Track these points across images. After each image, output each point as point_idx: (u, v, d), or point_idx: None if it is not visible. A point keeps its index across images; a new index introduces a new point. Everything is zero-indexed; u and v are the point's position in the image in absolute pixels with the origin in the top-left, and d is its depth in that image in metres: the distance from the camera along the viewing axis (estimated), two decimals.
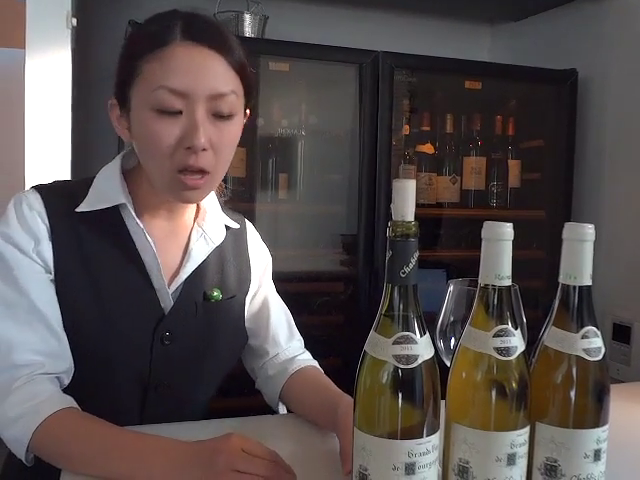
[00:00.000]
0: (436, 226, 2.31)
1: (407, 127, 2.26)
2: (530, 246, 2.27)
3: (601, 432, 0.69)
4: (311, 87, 2.25)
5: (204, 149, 0.92)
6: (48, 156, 1.78)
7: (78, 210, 0.97)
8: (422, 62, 2.14)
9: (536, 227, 2.28)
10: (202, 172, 0.93)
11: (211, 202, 1.08)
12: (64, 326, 0.95)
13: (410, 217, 0.64)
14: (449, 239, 2.32)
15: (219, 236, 1.07)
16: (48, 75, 1.76)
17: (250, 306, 1.15)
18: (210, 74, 0.92)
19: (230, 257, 1.10)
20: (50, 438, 0.85)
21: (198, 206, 1.08)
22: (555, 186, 2.27)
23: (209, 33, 0.93)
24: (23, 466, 0.89)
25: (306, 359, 1.16)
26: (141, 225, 0.99)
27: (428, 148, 2.27)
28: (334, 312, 2.21)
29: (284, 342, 1.15)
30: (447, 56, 2.17)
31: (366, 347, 0.65)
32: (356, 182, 2.07)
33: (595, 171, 2.23)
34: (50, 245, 0.95)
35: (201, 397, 1.10)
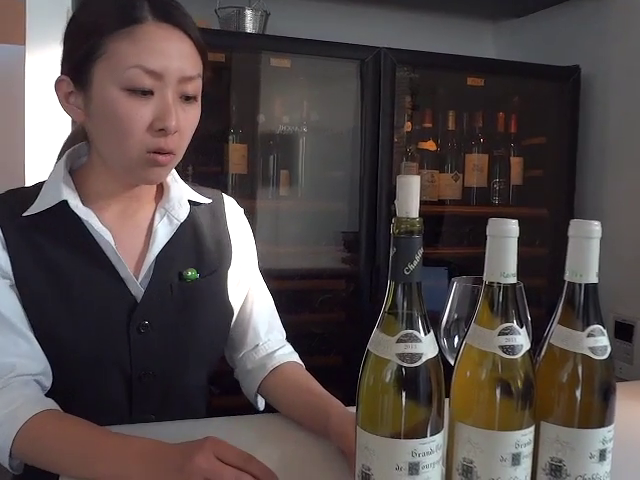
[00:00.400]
0: (438, 223, 2.30)
1: (409, 124, 2.25)
2: (532, 243, 2.26)
3: (607, 432, 0.68)
4: (312, 83, 2.24)
5: (175, 131, 0.92)
6: (48, 153, 1.77)
7: (25, 214, 0.96)
8: (424, 58, 2.13)
9: (538, 224, 2.27)
10: (169, 153, 0.93)
11: (172, 181, 1.06)
12: (37, 333, 0.94)
13: (414, 213, 0.63)
14: (451, 236, 2.32)
15: (183, 213, 1.04)
16: (48, 71, 1.75)
17: (233, 294, 1.11)
18: (182, 56, 0.92)
19: (207, 232, 1.08)
20: (31, 443, 0.85)
21: (159, 187, 1.06)
22: (558, 183, 2.26)
23: (177, 14, 0.93)
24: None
25: (286, 353, 1.13)
26: (86, 217, 0.96)
27: (430, 145, 2.26)
28: (335, 310, 2.21)
29: (264, 334, 1.13)
30: (449, 53, 2.16)
31: (369, 346, 0.65)
32: (358, 179, 2.06)
33: (598, 168, 2.22)
34: (5, 254, 0.94)
35: (193, 383, 1.07)
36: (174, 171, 1.06)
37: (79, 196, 0.98)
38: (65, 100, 0.96)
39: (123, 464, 0.79)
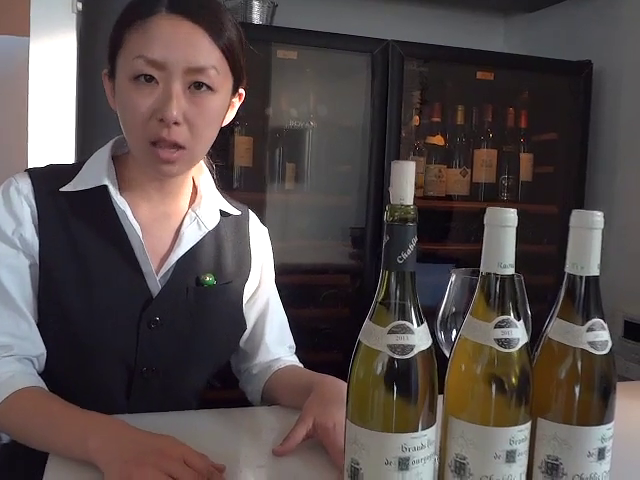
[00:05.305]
0: (445, 219, 2.28)
1: (417, 118, 2.24)
2: (541, 241, 2.23)
3: (606, 430, 0.66)
4: (320, 76, 2.22)
5: (176, 123, 0.90)
6: (52, 144, 1.77)
7: (62, 190, 0.97)
8: (433, 52, 2.11)
9: (548, 222, 2.24)
10: (176, 146, 0.92)
11: (207, 187, 1.07)
12: (51, 312, 0.95)
13: (409, 200, 0.61)
14: (458, 232, 2.29)
15: (213, 221, 1.05)
16: (53, 60, 1.75)
17: (248, 309, 1.12)
18: (190, 47, 0.90)
19: (229, 244, 1.09)
20: (8, 417, 0.87)
21: (195, 191, 1.07)
22: (568, 180, 2.23)
23: (197, 8, 0.92)
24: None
25: (292, 360, 1.15)
26: (122, 207, 0.97)
27: (438, 140, 2.23)
28: (340, 305, 2.19)
29: (274, 349, 1.14)
30: (459, 46, 2.13)
31: (360, 336, 0.63)
32: (365, 174, 2.04)
33: (609, 165, 2.19)
34: (34, 229, 0.95)
35: (191, 384, 1.07)
36: (210, 179, 1.07)
37: (118, 184, 0.99)
38: (110, 94, 0.98)
39: (81, 434, 0.79)
